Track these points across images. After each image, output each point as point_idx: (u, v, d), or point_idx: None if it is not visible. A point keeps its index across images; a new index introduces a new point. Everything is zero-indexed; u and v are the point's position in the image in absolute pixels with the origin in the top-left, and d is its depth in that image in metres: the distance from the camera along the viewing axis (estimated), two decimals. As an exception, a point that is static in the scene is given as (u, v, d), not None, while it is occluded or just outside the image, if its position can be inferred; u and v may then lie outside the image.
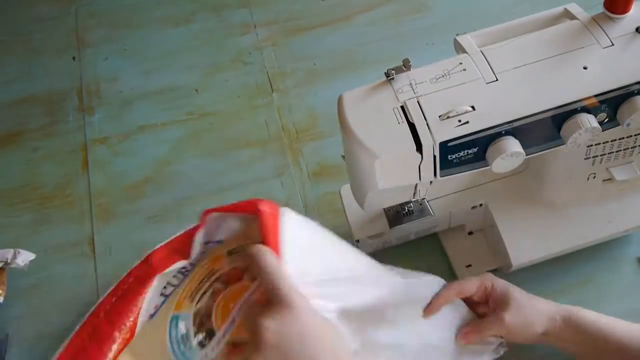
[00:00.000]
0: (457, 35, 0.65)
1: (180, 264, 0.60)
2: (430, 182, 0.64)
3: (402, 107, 0.60)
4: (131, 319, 0.58)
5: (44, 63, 1.06)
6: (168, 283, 0.61)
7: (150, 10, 1.11)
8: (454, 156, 0.60)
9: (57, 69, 1.05)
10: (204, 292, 0.60)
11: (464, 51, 0.63)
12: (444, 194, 0.77)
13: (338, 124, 0.62)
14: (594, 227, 0.74)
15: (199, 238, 0.60)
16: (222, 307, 0.60)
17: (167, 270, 0.59)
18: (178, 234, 0.61)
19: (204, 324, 0.60)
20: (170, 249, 0.60)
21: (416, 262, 0.74)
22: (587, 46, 0.61)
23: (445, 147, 0.59)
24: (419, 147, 0.58)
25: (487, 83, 0.60)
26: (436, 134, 0.58)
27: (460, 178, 0.74)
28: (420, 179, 0.62)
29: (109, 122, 0.98)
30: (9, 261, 0.78)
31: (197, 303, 0.60)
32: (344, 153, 0.66)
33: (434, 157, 0.60)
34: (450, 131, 0.58)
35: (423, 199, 0.76)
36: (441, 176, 0.62)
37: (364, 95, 0.61)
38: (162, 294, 0.60)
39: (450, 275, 0.78)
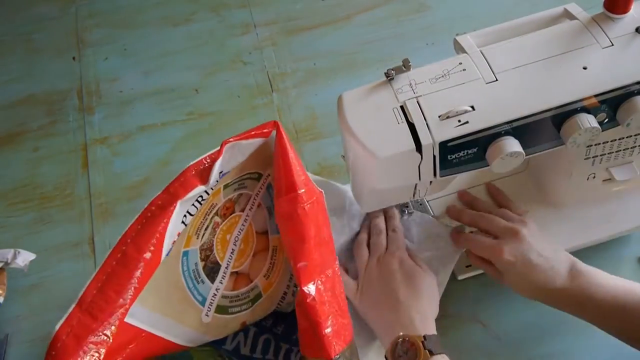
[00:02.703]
0: (457, 35, 0.65)
1: (199, 189, 0.61)
2: (430, 182, 0.64)
3: (401, 107, 0.60)
4: (154, 241, 0.59)
5: (44, 63, 1.06)
6: (187, 212, 0.62)
7: (150, 10, 1.11)
8: (453, 156, 0.60)
9: (57, 69, 1.05)
10: (206, 228, 0.64)
11: (464, 51, 0.63)
12: (444, 194, 0.77)
13: (338, 124, 0.62)
14: (594, 227, 0.74)
15: (217, 166, 0.61)
16: (222, 239, 0.66)
17: (187, 196, 0.60)
18: (196, 160, 0.62)
19: (208, 257, 0.65)
20: (189, 175, 0.61)
21: (416, 262, 0.74)
22: (586, 46, 0.61)
23: (445, 147, 0.59)
24: (419, 147, 0.58)
25: (487, 83, 0.60)
26: (436, 134, 0.58)
27: (460, 178, 0.74)
28: (420, 179, 0.62)
29: (109, 122, 0.98)
30: (9, 261, 0.78)
31: (201, 238, 0.64)
32: (344, 153, 0.66)
33: (434, 157, 0.60)
34: (450, 131, 0.58)
35: (423, 198, 0.76)
36: (441, 176, 0.62)
37: (363, 95, 0.61)
38: (182, 222, 0.62)
39: (450, 275, 0.78)
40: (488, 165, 0.61)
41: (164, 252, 0.60)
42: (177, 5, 1.11)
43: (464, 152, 0.60)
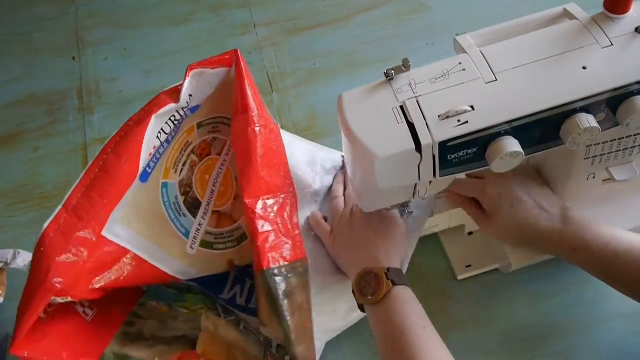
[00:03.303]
0: (457, 35, 0.65)
1: (171, 106, 0.67)
2: (430, 182, 0.64)
3: (401, 107, 0.60)
4: (132, 151, 0.64)
5: (44, 63, 1.06)
6: (162, 130, 0.67)
7: (150, 10, 1.11)
8: (453, 156, 0.60)
9: (57, 69, 1.05)
10: (184, 164, 0.70)
11: (464, 51, 0.63)
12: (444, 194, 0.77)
13: (338, 124, 0.62)
14: (593, 227, 0.74)
15: (186, 86, 0.68)
16: (200, 178, 0.71)
17: (161, 111, 0.66)
18: (168, 88, 0.68)
19: (188, 192, 0.70)
20: (162, 96, 0.67)
21: (416, 262, 0.74)
22: (586, 46, 0.61)
23: (445, 147, 0.59)
24: (419, 147, 0.58)
25: (486, 83, 0.60)
26: (436, 134, 0.58)
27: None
28: (420, 179, 0.62)
29: (109, 122, 0.98)
30: (8, 262, 0.78)
31: (179, 173, 0.70)
32: (344, 153, 0.66)
33: (434, 157, 0.60)
34: (449, 131, 0.58)
35: (423, 199, 0.76)
36: (441, 176, 0.62)
37: (363, 95, 0.61)
38: (157, 138, 0.67)
39: (450, 275, 0.78)
40: (488, 165, 0.61)
41: (142, 164, 0.64)
42: (177, 5, 1.11)
43: (463, 152, 0.60)
